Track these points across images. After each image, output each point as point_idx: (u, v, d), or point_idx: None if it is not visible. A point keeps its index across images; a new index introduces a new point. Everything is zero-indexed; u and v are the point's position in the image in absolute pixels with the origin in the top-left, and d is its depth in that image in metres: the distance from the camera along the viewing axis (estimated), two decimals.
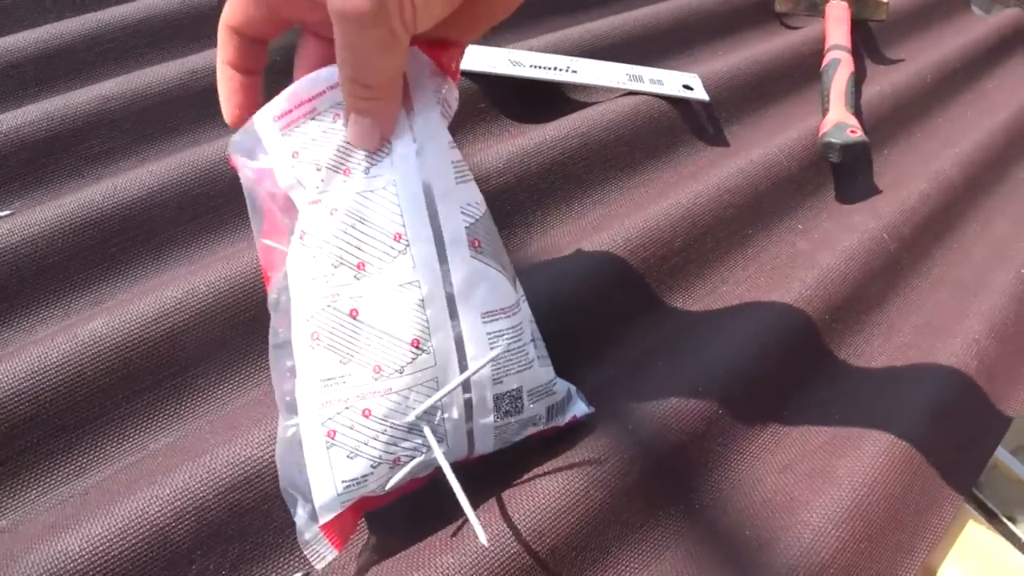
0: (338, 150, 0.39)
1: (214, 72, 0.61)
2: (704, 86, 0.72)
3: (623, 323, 0.53)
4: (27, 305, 0.50)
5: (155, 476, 0.41)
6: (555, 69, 0.67)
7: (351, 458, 0.38)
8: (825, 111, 0.73)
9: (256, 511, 0.42)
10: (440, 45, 0.40)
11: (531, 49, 0.70)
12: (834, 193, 0.71)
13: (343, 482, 0.38)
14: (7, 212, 0.54)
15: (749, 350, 0.51)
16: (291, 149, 0.40)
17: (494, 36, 0.75)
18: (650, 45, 0.77)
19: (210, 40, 0.68)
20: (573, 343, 0.51)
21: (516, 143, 0.60)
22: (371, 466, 0.38)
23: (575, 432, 0.45)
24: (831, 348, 0.56)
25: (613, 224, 0.57)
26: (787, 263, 0.61)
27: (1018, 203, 0.77)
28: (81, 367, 0.44)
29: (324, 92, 0.40)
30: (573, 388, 0.45)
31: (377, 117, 0.37)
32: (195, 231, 0.55)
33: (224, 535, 0.41)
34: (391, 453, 0.38)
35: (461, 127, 0.63)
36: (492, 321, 0.40)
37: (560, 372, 0.44)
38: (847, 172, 0.72)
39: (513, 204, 0.58)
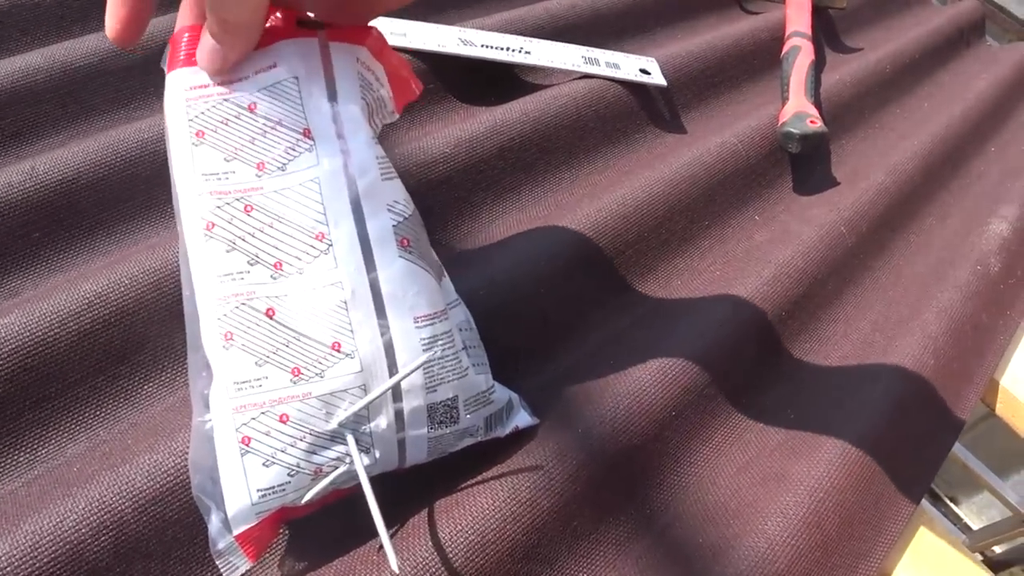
0: (254, 141, 0.36)
1: (145, 45, 0.58)
2: (662, 70, 0.69)
3: (572, 319, 0.51)
4: None
5: (71, 487, 0.38)
6: (507, 50, 0.64)
7: (267, 466, 0.35)
8: (785, 100, 0.71)
9: (179, 524, 0.38)
10: (403, 82, 0.40)
11: (483, 28, 0.67)
12: (792, 184, 0.69)
13: (258, 491, 0.35)
14: None
15: (703, 347, 0.49)
16: (195, 128, 0.36)
17: (445, 12, 0.71)
18: (607, 27, 0.74)
19: None
20: (517, 340, 0.48)
21: (465, 127, 0.57)
22: (288, 475, 0.35)
23: (520, 437, 0.42)
24: (787, 346, 0.55)
25: (563, 215, 0.54)
26: (743, 256, 0.59)
27: (974, 197, 0.77)
28: None
29: (249, 77, 0.37)
30: (516, 397, 0.42)
31: (228, 50, 0.35)
32: (124, 215, 0.51)
33: (145, 550, 0.37)
34: (311, 462, 0.35)
35: (408, 108, 0.60)
36: (426, 325, 0.37)
37: (503, 372, 0.42)
38: (805, 163, 0.70)
39: (459, 191, 0.55)
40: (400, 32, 0.62)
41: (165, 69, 0.38)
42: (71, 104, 0.55)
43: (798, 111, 0.67)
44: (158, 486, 0.38)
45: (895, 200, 0.68)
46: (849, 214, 0.63)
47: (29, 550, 0.35)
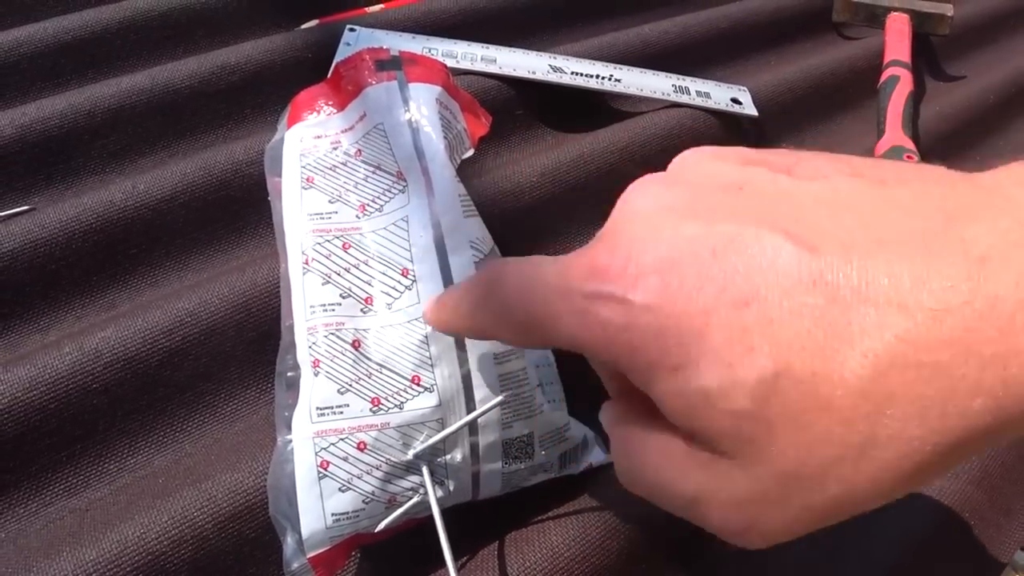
0: (357, 185, 0.38)
1: (242, 68, 0.60)
2: (754, 99, 0.68)
3: None
4: (43, 305, 0.49)
5: (155, 500, 0.39)
6: (597, 78, 0.63)
7: (343, 491, 0.36)
8: (881, 132, 0.69)
9: (256, 542, 0.39)
10: (475, 116, 0.42)
11: (574, 55, 0.67)
12: None
13: (333, 515, 0.36)
14: (27, 208, 0.52)
15: None
16: (306, 174, 0.38)
17: (536, 36, 0.72)
18: (699, 54, 0.73)
19: (237, 34, 0.66)
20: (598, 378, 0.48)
21: (551, 155, 0.56)
22: (363, 501, 0.36)
23: (594, 474, 0.42)
24: None
25: None
26: None
27: None
28: (89, 378, 0.42)
29: (353, 126, 0.38)
30: (591, 434, 0.42)
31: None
32: (216, 234, 0.53)
33: (223, 566, 0.39)
34: (386, 491, 0.36)
35: (497, 135, 0.60)
36: (504, 362, 0.37)
37: (580, 405, 0.42)
38: None
39: (544, 221, 0.55)
40: (491, 58, 0.62)
41: (285, 125, 0.40)
42: (171, 124, 0.57)
43: (894, 144, 0.65)
44: (238, 504, 0.39)
45: None
46: None
47: (114, 558, 0.37)
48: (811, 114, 0.73)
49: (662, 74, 0.66)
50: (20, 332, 0.48)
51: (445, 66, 0.42)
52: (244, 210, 0.53)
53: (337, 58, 0.60)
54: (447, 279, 0.37)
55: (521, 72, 0.62)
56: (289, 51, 0.61)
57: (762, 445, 0.22)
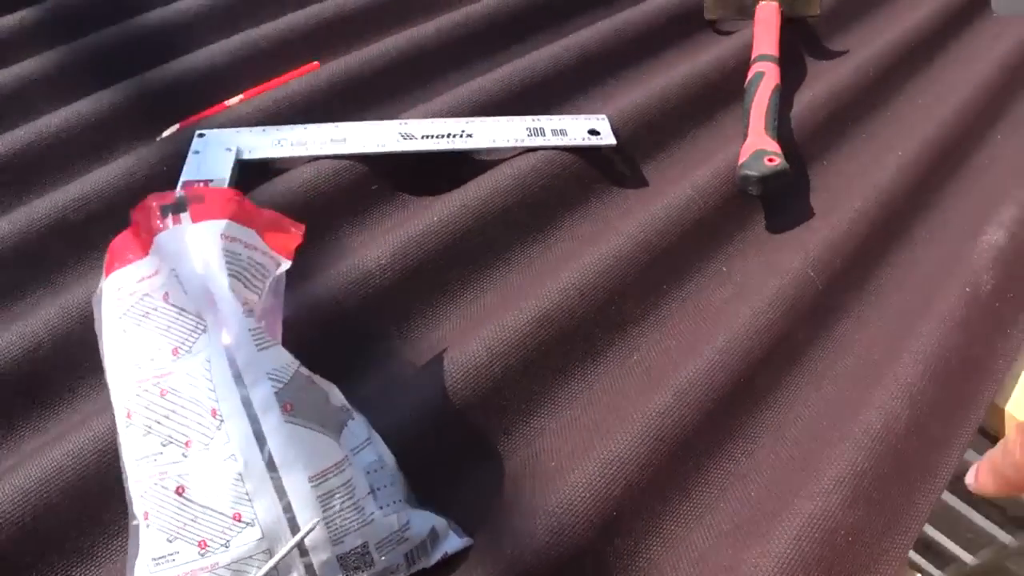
0: (168, 328, 0.39)
1: (100, 196, 0.60)
2: (615, 125, 0.68)
3: (518, 418, 0.51)
4: None
5: None
6: (448, 136, 0.64)
7: None
8: (745, 135, 0.69)
9: None
10: (283, 231, 0.44)
11: (432, 112, 0.67)
12: (764, 223, 0.67)
13: None
14: None
15: (655, 432, 0.48)
16: (122, 324, 0.40)
17: (384, 104, 0.72)
18: (554, 88, 0.73)
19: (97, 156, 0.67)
20: (456, 448, 0.48)
21: (403, 230, 0.57)
22: None
23: (452, 562, 0.42)
24: (753, 411, 0.53)
25: (508, 305, 0.54)
26: (706, 317, 0.58)
27: (974, 199, 0.72)
28: None
29: (157, 271, 0.40)
30: (442, 523, 0.42)
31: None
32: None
33: None
34: None
35: (352, 214, 0.61)
36: (322, 482, 0.37)
37: (441, 485, 0.43)
38: (775, 200, 0.67)
39: (398, 303, 0.55)
40: (340, 138, 0.63)
41: (103, 274, 0.41)
42: (33, 268, 0.57)
43: (756, 149, 0.65)
44: None
45: (876, 226, 0.65)
46: (818, 252, 0.60)
47: None
48: (678, 129, 0.73)
49: (516, 118, 0.66)
50: None
51: (236, 193, 0.43)
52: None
53: (185, 168, 0.60)
54: (251, 414, 0.37)
55: (371, 147, 0.62)
56: (144, 168, 0.62)
57: None
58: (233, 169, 0.60)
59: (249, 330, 0.38)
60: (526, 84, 0.72)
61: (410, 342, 0.54)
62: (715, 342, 0.53)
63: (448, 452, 0.48)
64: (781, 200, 0.68)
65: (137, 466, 0.38)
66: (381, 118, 0.66)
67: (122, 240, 0.44)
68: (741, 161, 0.65)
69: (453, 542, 0.42)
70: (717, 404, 0.51)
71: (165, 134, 0.69)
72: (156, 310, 0.40)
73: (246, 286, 0.40)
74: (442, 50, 0.78)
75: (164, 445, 0.38)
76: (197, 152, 0.62)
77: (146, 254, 0.41)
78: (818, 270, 0.59)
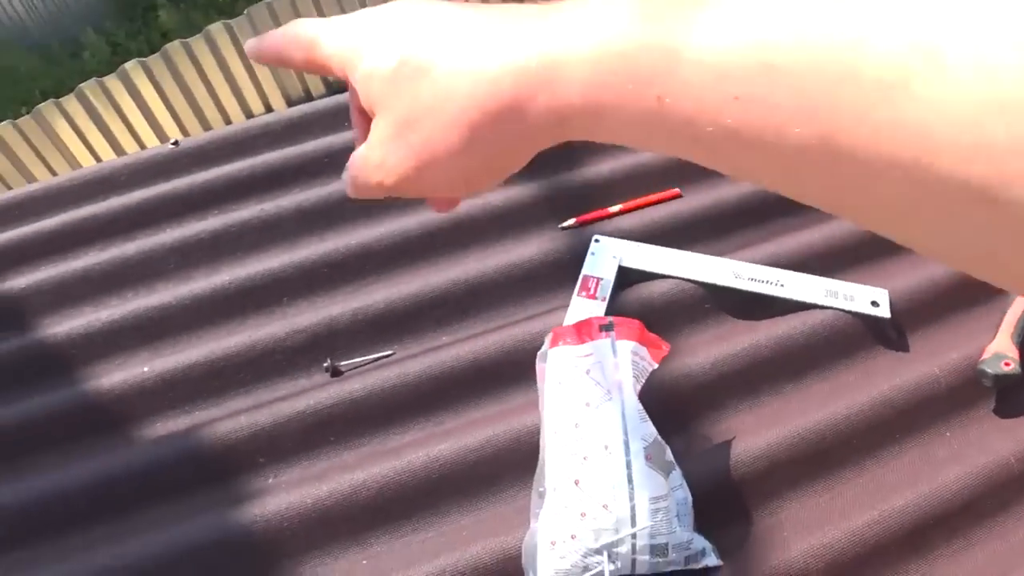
0: (585, 390, 0.69)
1: (527, 263, 0.93)
2: (892, 301, 0.90)
3: (765, 500, 0.76)
4: None
5: (452, 551, 0.73)
6: (766, 282, 0.90)
7: (561, 558, 0.67)
8: (994, 335, 0.87)
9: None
10: (656, 346, 0.70)
11: (752, 260, 0.94)
12: (994, 405, 0.85)
13: (555, 571, 0.67)
14: (390, 352, 0.89)
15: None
16: (558, 377, 0.70)
17: (721, 240, 0.99)
18: (844, 257, 0.96)
19: (507, 235, 1.00)
20: (723, 504, 0.75)
21: (726, 344, 0.84)
22: (571, 565, 0.66)
23: (706, 572, 0.69)
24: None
25: (785, 421, 0.80)
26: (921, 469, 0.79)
27: None
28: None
29: (588, 355, 0.70)
30: (709, 546, 0.69)
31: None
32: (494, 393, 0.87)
33: None
34: (584, 563, 0.66)
35: (689, 322, 0.89)
36: (654, 501, 0.66)
37: (714, 524, 0.70)
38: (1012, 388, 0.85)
39: (715, 397, 0.82)
40: (689, 266, 0.91)
41: (548, 345, 0.72)
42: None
43: (997, 351, 0.84)
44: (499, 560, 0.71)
45: None
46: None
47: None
48: (937, 312, 0.93)
49: (817, 279, 0.91)
50: None
51: (640, 324, 0.72)
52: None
53: (586, 263, 0.91)
54: (626, 453, 0.67)
55: (711, 278, 0.90)
56: (552, 254, 0.94)
57: (391, 102, 0.38)
58: (616, 273, 0.90)
59: (637, 409, 0.68)
60: (821, 251, 0.95)
61: (717, 423, 0.81)
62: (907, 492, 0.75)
63: (720, 505, 0.75)
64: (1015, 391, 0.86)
65: (553, 461, 0.69)
66: (720, 253, 0.93)
67: (562, 329, 0.75)
68: (983, 357, 0.84)
69: (711, 559, 0.69)
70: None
71: (564, 225, 1.01)
72: (581, 379, 0.71)
73: (637, 380, 0.69)
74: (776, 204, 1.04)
75: (572, 455, 0.69)
76: (593, 254, 0.93)
77: (581, 343, 0.72)
78: (1017, 458, 0.78)
